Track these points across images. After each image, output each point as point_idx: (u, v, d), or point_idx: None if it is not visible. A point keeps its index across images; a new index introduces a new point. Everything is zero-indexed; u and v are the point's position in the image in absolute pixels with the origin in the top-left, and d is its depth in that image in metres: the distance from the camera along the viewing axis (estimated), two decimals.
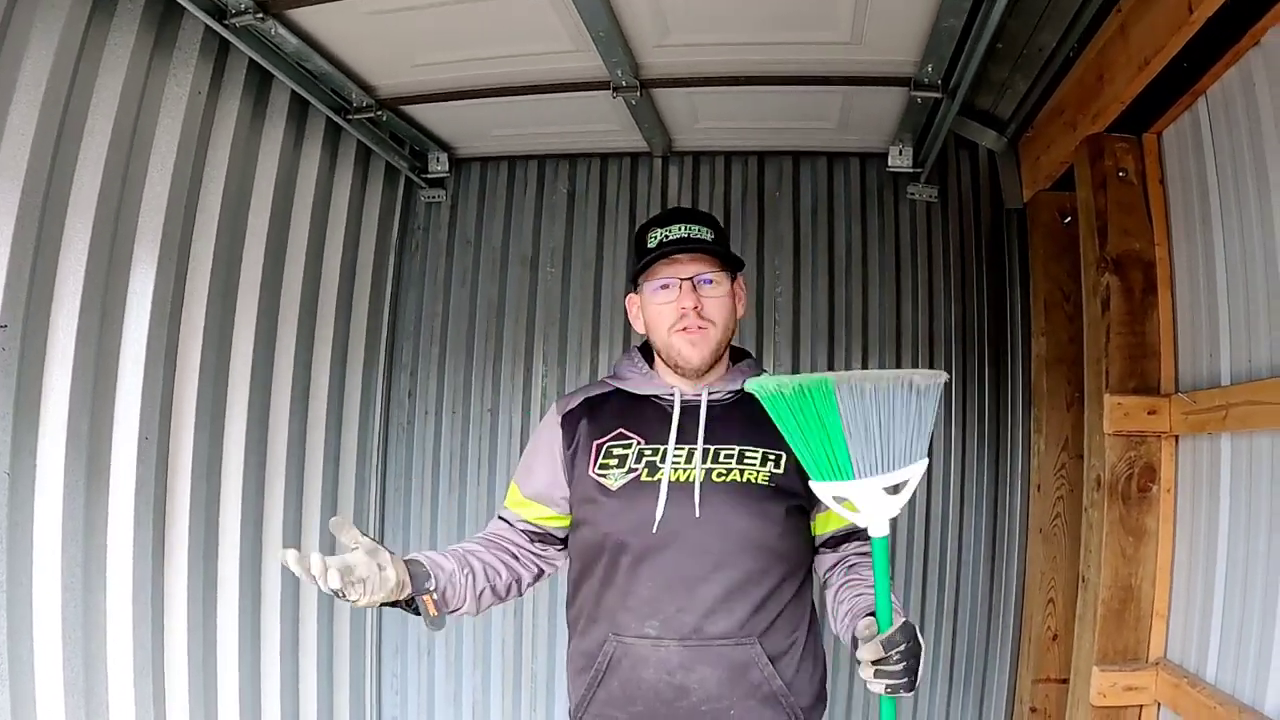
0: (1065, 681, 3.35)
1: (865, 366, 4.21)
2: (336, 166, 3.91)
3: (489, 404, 4.42)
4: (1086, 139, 3.18)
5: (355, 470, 4.16)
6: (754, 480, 2.15)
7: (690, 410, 2.23)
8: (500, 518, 2.37)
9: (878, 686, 1.79)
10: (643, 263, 2.20)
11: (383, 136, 3.96)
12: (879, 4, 2.94)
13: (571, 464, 2.25)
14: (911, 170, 4.15)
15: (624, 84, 3.45)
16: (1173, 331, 3.05)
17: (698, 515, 2.10)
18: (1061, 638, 3.68)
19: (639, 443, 2.21)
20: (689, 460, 2.16)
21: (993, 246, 4.23)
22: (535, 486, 2.31)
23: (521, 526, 2.33)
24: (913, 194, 4.26)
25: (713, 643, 2.09)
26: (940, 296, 4.24)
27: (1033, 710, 3.75)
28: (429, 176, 4.45)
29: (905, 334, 4.24)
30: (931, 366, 4.18)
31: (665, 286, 2.19)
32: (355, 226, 4.10)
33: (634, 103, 3.61)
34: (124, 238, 2.73)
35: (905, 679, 1.77)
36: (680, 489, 2.13)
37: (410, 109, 3.86)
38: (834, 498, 1.77)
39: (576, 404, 2.33)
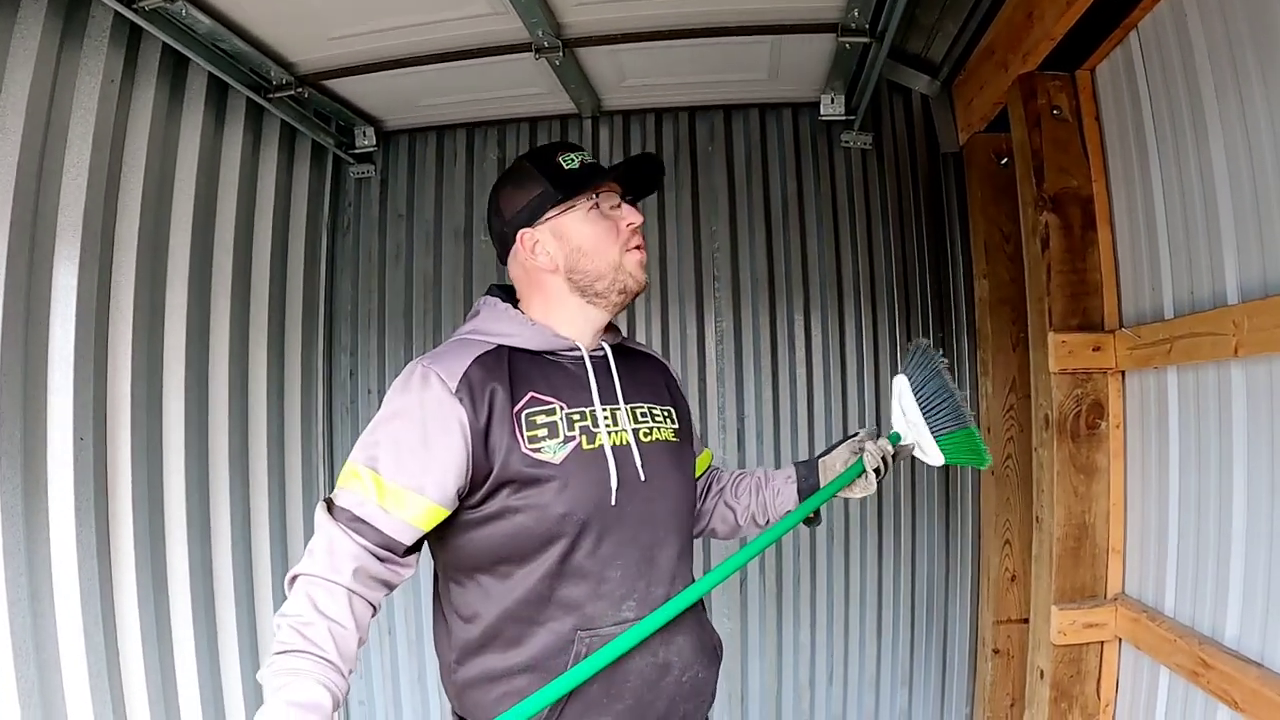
0: (1026, 621, 3.39)
1: (807, 318, 4.23)
2: (261, 148, 3.81)
3: None
4: (1019, 78, 3.17)
5: (301, 455, 4.08)
6: (669, 437, 2.08)
7: (600, 366, 2.04)
8: (360, 535, 1.77)
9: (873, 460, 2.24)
10: (594, 180, 2.00)
11: (306, 114, 3.87)
12: None
13: (485, 440, 1.85)
14: (844, 118, 4.12)
15: (546, 45, 3.40)
16: (1114, 267, 3.07)
17: (643, 479, 1.96)
18: (1020, 578, 3.72)
19: (561, 407, 1.94)
20: (615, 422, 1.99)
21: (930, 191, 4.23)
22: (431, 478, 1.82)
23: (406, 537, 1.82)
24: (847, 142, 4.23)
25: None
26: (880, 244, 4.24)
27: (996, 651, 3.80)
28: (356, 152, 4.36)
29: (846, 283, 4.23)
30: (874, 314, 4.22)
31: (616, 206, 2.03)
32: (284, 208, 4.00)
33: (558, 64, 3.55)
34: (44, 235, 2.64)
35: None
36: (619, 453, 1.96)
37: (332, 84, 3.77)
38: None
39: (468, 366, 1.90)
